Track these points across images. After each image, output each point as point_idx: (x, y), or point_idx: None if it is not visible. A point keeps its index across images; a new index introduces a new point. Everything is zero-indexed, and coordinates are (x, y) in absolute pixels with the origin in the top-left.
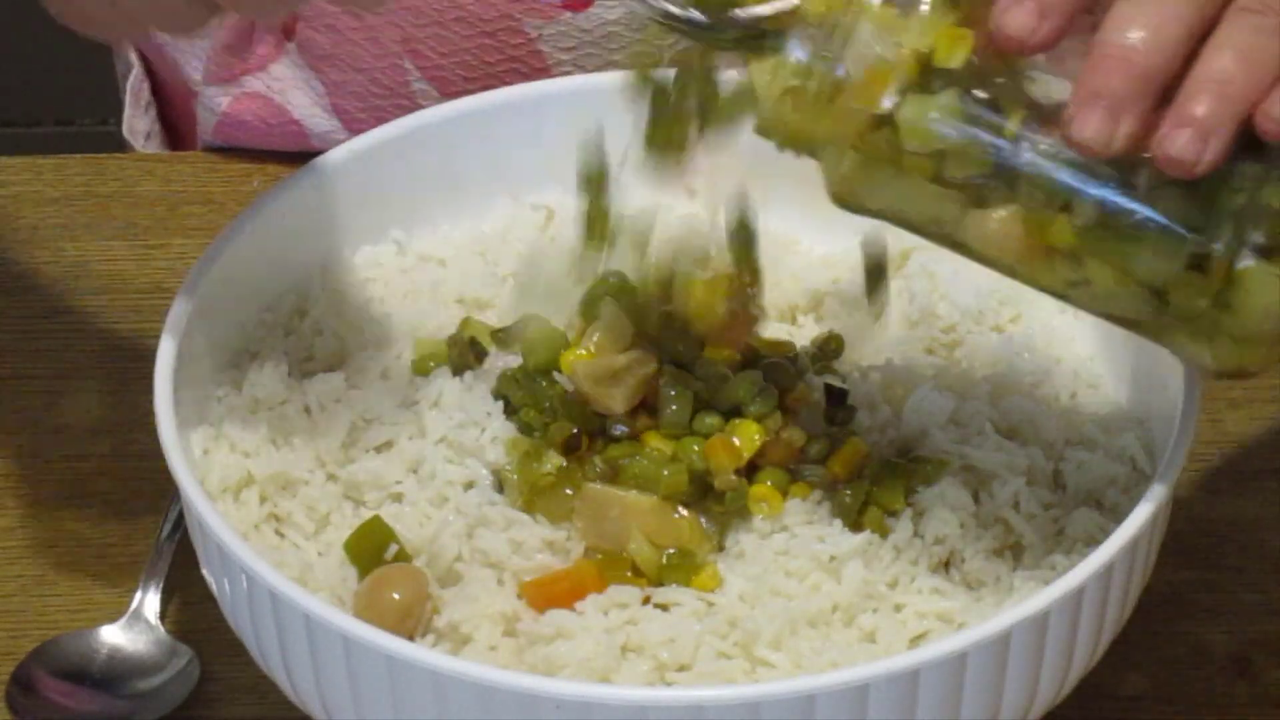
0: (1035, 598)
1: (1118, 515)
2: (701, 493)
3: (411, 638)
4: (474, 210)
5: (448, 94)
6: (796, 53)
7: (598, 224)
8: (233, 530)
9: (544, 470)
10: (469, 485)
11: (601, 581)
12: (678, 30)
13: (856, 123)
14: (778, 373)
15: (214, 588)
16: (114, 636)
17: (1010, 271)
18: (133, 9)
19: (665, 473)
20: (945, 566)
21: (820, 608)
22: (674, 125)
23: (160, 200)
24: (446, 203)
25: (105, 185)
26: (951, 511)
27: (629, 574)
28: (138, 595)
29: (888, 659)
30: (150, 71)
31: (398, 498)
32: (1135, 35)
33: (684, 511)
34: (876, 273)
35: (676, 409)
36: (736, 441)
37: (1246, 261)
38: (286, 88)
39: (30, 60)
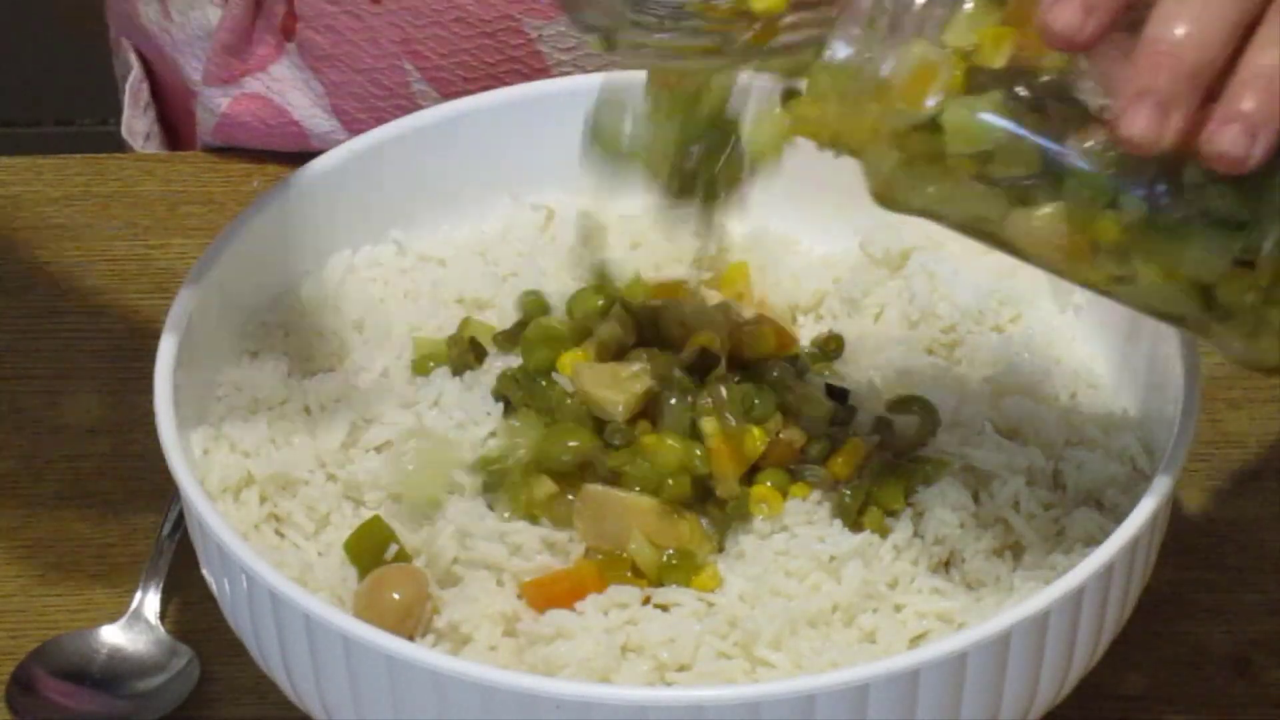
0: (1035, 598)
1: (1118, 515)
2: (702, 495)
3: (411, 638)
4: (474, 210)
5: (448, 94)
6: (840, 52)
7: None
8: (233, 530)
9: (536, 497)
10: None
11: (601, 582)
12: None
13: (900, 123)
14: (778, 373)
15: (214, 588)
16: (114, 636)
17: (1054, 269)
18: None
19: (670, 482)
20: (945, 566)
21: (820, 608)
22: (694, 178)
23: (160, 200)
24: (446, 203)
25: (105, 185)
26: (951, 511)
27: (629, 574)
28: (138, 595)
29: (888, 659)
30: (150, 72)
31: (398, 498)
32: (1182, 31)
33: (684, 512)
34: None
35: (676, 413)
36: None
37: None
38: (286, 88)
39: (30, 60)
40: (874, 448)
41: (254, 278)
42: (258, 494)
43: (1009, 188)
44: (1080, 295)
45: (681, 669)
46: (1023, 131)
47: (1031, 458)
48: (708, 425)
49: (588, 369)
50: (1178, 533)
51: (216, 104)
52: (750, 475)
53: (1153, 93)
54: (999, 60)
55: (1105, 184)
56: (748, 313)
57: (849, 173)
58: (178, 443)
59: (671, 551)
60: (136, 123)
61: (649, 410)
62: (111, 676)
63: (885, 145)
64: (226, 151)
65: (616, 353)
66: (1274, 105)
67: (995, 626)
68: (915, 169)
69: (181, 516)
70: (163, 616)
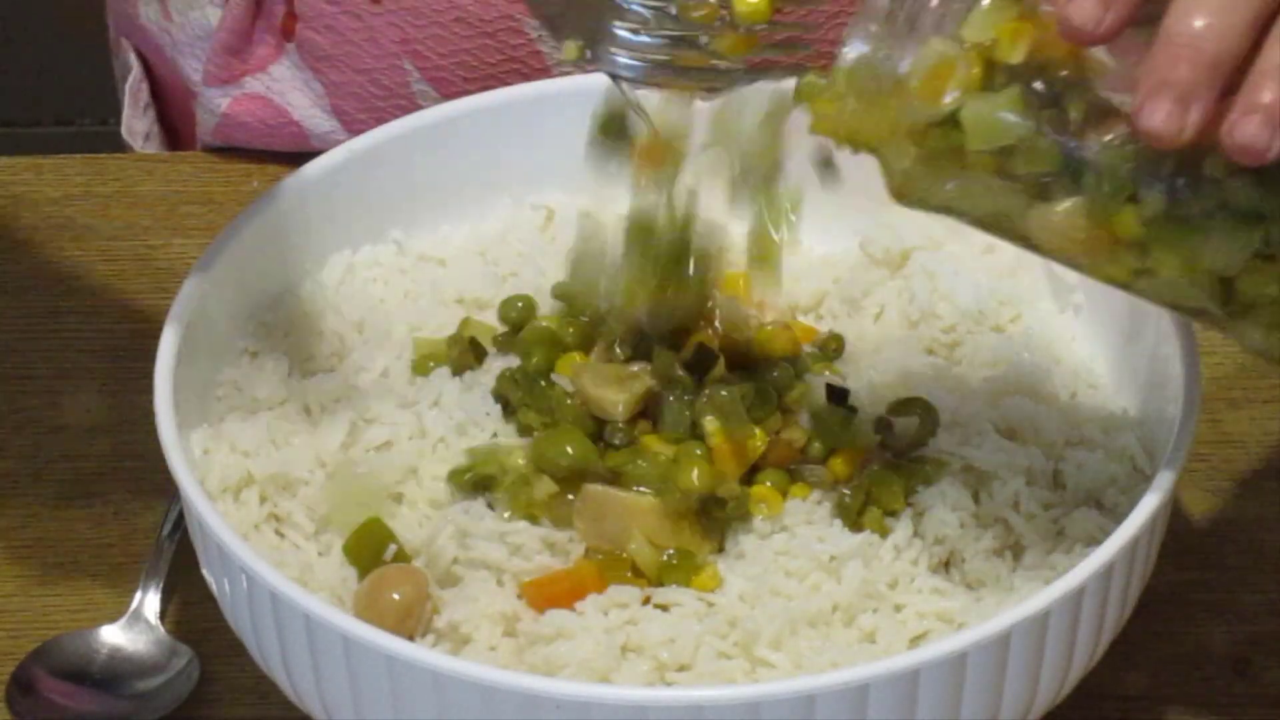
0: (1035, 598)
1: (1118, 515)
2: (702, 495)
3: (411, 638)
4: (474, 210)
5: (448, 94)
6: (857, 49)
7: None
8: (233, 530)
9: (536, 497)
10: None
11: (601, 582)
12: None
13: (919, 119)
14: (778, 373)
15: (214, 588)
16: (114, 636)
17: (1074, 263)
18: None
19: (674, 484)
20: (945, 566)
21: (820, 608)
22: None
23: (160, 200)
24: (446, 203)
25: (105, 185)
26: (951, 511)
27: (629, 574)
28: (138, 595)
29: (888, 659)
30: (150, 72)
31: (398, 498)
32: (1201, 24)
33: (685, 512)
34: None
35: (676, 414)
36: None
37: None
38: (286, 89)
39: (30, 60)
40: (874, 448)
41: (254, 278)
42: (258, 494)
43: (1028, 183)
44: (1080, 295)
45: (681, 669)
46: (1041, 127)
47: (1031, 458)
48: (709, 425)
49: (587, 369)
50: (1178, 533)
51: (216, 104)
52: (750, 476)
53: (1172, 85)
54: (1016, 56)
55: (1125, 178)
56: (767, 314)
57: (849, 173)
58: (178, 443)
59: (671, 551)
60: (136, 123)
61: (649, 410)
62: (111, 676)
63: (904, 142)
64: (226, 151)
65: (621, 355)
66: None
67: (995, 626)
68: (934, 165)
69: (181, 516)
70: (163, 616)
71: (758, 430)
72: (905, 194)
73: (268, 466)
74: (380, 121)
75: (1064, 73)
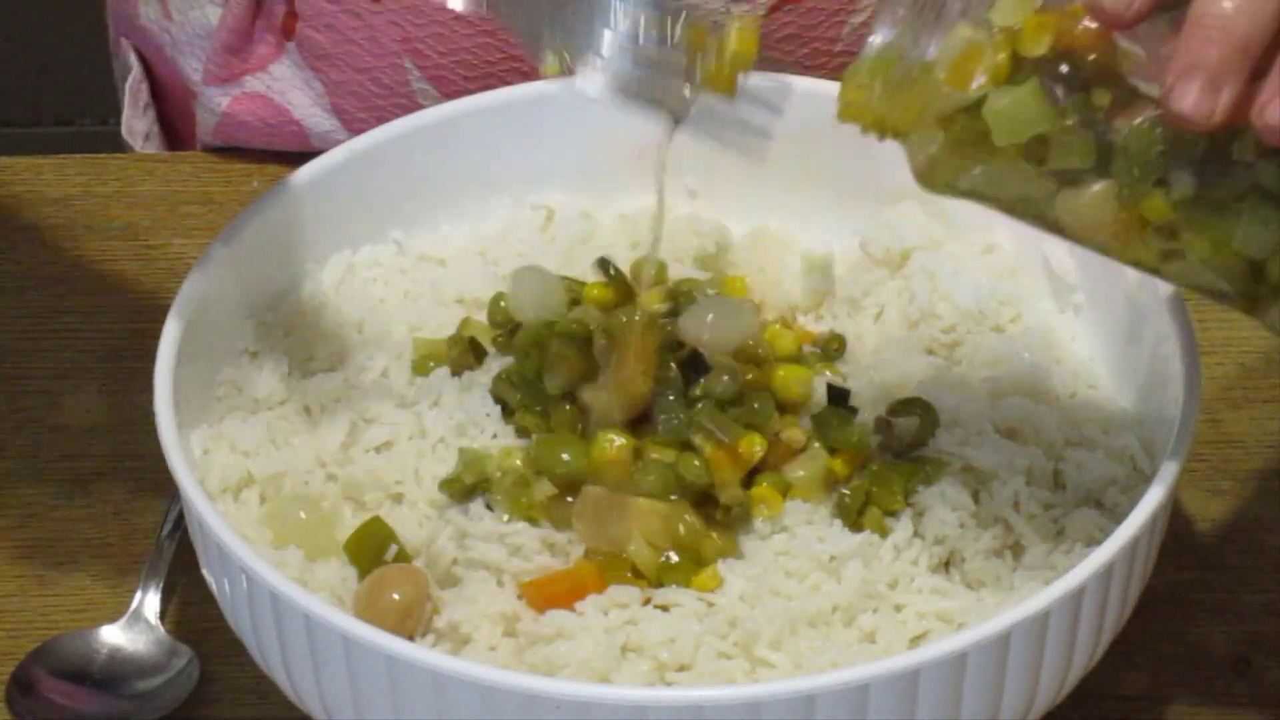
0: (1035, 598)
1: (1118, 515)
2: (703, 498)
3: (411, 638)
4: (474, 210)
5: (448, 93)
6: (884, 36)
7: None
8: (233, 530)
9: (536, 499)
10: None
11: (601, 582)
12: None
13: (946, 105)
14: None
15: (214, 588)
16: (114, 636)
17: (1103, 248)
18: None
19: (673, 497)
20: (945, 566)
21: (820, 608)
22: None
23: (160, 200)
24: (446, 203)
25: (105, 185)
26: (951, 511)
27: (629, 575)
28: (138, 595)
29: (888, 659)
30: (150, 72)
31: (398, 498)
32: (1231, 6)
33: (686, 514)
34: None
35: (674, 418)
36: (739, 452)
37: None
38: (286, 88)
39: (30, 60)
40: (874, 448)
41: (254, 278)
42: (258, 494)
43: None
44: (1080, 295)
45: (681, 669)
46: (1067, 118)
47: (1031, 458)
48: (700, 440)
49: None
50: (1178, 533)
51: (217, 104)
52: (750, 476)
53: (1203, 67)
54: (1039, 50)
55: (1154, 161)
56: (767, 314)
57: (849, 173)
58: (178, 443)
59: (671, 552)
60: (136, 123)
61: (648, 413)
62: (111, 676)
63: (930, 128)
64: (226, 151)
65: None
66: None
67: (995, 626)
68: (961, 151)
69: (181, 516)
70: (163, 616)
71: (756, 435)
72: (931, 179)
73: (268, 466)
74: (380, 120)
75: (1091, 57)
